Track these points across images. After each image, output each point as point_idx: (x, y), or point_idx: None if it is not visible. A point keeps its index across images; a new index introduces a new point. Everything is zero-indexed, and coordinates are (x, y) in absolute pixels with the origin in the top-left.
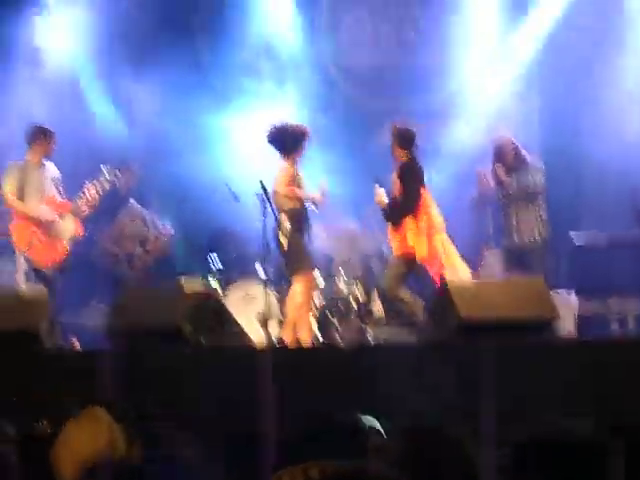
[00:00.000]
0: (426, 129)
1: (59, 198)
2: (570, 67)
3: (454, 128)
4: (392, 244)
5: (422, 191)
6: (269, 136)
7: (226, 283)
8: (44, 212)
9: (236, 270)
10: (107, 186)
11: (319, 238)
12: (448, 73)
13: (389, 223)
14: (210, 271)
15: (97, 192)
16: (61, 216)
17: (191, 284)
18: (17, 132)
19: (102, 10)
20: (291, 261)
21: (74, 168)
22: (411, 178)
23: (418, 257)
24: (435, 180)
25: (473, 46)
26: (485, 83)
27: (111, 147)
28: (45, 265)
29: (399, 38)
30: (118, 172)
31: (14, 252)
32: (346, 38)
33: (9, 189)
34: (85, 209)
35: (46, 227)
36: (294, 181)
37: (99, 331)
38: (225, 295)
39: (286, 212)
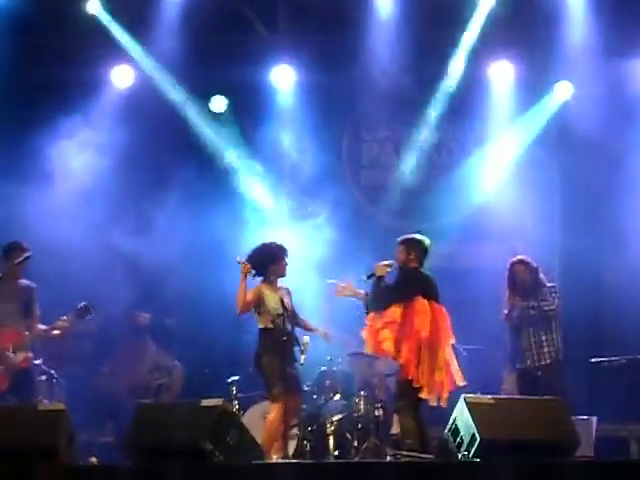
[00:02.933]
0: (449, 248)
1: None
2: (589, 189)
3: (477, 248)
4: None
5: (420, 300)
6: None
7: (245, 402)
8: None
9: (256, 389)
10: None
11: (340, 358)
12: (470, 193)
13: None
14: (230, 391)
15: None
16: (15, 347)
17: (211, 403)
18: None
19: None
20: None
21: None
22: (400, 282)
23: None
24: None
25: (494, 167)
26: (506, 203)
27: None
28: None
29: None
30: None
31: None
32: (368, 158)
33: None
34: (55, 335)
35: None
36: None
37: (118, 449)
38: (244, 414)
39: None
